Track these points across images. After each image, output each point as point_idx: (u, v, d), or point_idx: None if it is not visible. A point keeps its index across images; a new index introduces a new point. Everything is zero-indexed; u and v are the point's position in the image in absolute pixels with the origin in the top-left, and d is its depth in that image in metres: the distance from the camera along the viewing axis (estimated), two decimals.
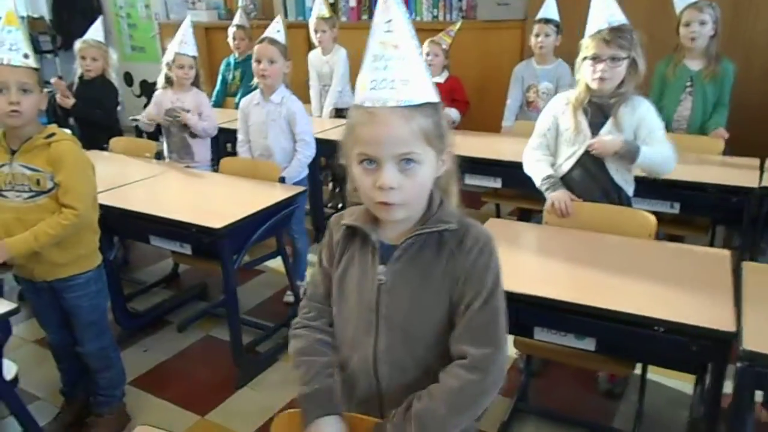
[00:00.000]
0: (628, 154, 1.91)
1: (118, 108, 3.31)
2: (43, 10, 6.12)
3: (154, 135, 3.22)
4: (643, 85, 2.01)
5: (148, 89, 6.14)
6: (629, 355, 1.64)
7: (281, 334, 2.59)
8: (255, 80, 2.69)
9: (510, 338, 1.20)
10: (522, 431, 2.01)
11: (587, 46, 1.93)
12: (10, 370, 1.73)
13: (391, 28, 0.94)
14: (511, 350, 1.49)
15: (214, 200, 2.40)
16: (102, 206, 1.91)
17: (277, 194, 2.36)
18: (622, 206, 1.99)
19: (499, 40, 4.17)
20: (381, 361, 1.02)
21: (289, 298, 2.84)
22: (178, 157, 2.92)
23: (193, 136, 2.87)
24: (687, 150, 2.42)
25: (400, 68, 0.93)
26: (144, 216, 2.20)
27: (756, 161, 2.54)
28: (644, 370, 1.95)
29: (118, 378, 2.04)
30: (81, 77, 3.17)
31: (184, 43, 2.81)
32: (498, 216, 3.46)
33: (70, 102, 3.04)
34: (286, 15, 5.01)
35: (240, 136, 2.81)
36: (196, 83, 2.91)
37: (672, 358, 1.48)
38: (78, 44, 3.12)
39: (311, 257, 3.04)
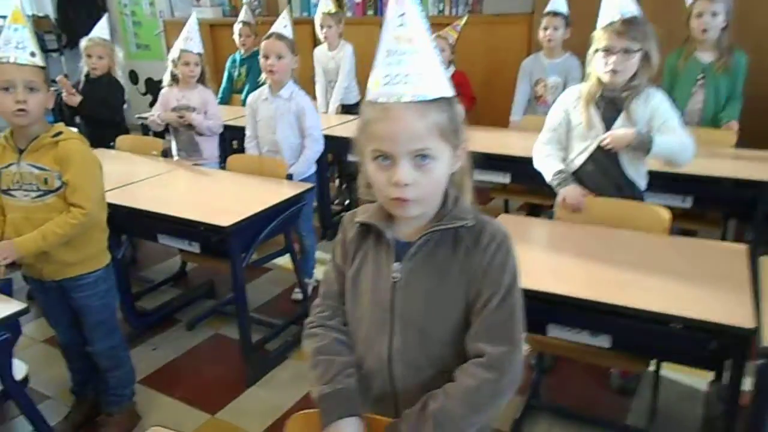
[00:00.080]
0: (642, 145, 1.87)
1: (125, 106, 3.29)
2: (49, 9, 6.12)
3: (161, 133, 3.21)
4: (656, 79, 1.98)
5: (153, 87, 6.14)
6: (645, 352, 1.61)
7: (290, 332, 2.58)
8: (263, 76, 2.67)
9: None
10: (535, 429, 1.99)
11: (599, 38, 1.89)
12: (20, 370, 1.72)
13: (405, 21, 0.92)
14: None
15: (222, 198, 2.39)
16: (110, 205, 1.90)
17: (284, 191, 2.35)
18: (635, 200, 1.96)
19: (506, 34, 4.14)
20: (395, 360, 1.01)
21: (297, 295, 2.83)
22: (187, 154, 2.92)
23: (200, 134, 2.86)
24: (699, 143, 2.36)
25: (414, 62, 0.92)
26: (152, 214, 2.19)
27: None
28: (658, 367, 1.93)
29: (127, 377, 2.03)
30: (87, 75, 3.16)
31: (189, 39, 2.80)
32: (506, 211, 3.44)
33: (76, 100, 3.03)
34: (290, 11, 4.99)
35: (248, 132, 2.79)
36: (201, 80, 2.90)
37: (689, 355, 1.45)
38: (84, 42, 3.11)
39: (319, 254, 3.03)
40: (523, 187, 3.01)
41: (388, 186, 0.93)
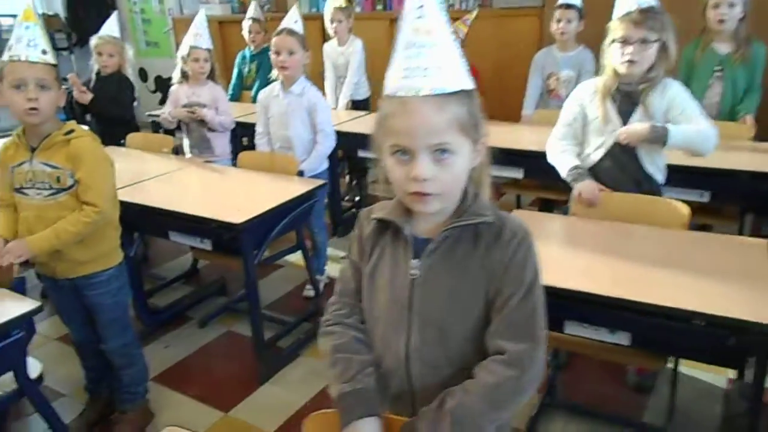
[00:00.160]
0: (658, 137, 1.83)
1: (135, 104, 3.29)
2: (59, 8, 6.14)
3: (171, 130, 3.21)
4: (672, 71, 1.94)
5: (162, 85, 6.15)
6: (665, 349, 1.59)
7: (302, 329, 2.57)
8: (274, 73, 2.66)
9: None
10: (551, 426, 1.97)
11: (615, 28, 1.86)
12: (34, 369, 1.72)
13: (423, 13, 0.90)
14: None
15: (233, 195, 2.38)
16: (121, 203, 1.89)
17: (296, 188, 2.34)
18: (653, 195, 1.93)
19: (517, 28, 4.10)
20: (413, 358, 0.99)
21: (309, 292, 2.82)
22: (199, 152, 2.91)
23: (211, 130, 2.85)
24: None
25: (432, 55, 0.90)
26: (164, 212, 2.19)
27: None
28: (676, 364, 1.90)
29: (140, 375, 2.03)
30: (98, 73, 3.16)
31: (198, 35, 2.79)
32: (519, 207, 3.41)
33: (87, 98, 3.03)
34: (300, 6, 4.97)
35: (259, 129, 2.78)
36: (211, 76, 2.90)
37: (711, 352, 1.42)
38: (94, 40, 3.11)
39: (330, 251, 3.02)
40: (536, 182, 2.98)
41: (406, 181, 0.92)
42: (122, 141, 3.10)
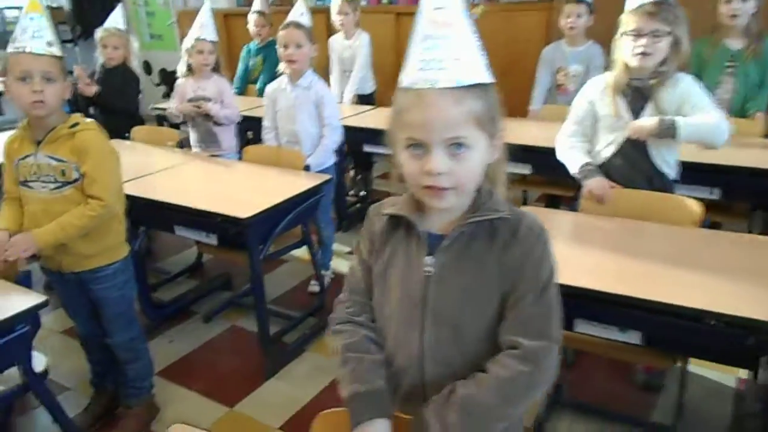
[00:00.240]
0: (666, 131, 1.80)
1: (140, 96, 3.28)
2: (63, 0, 6.12)
3: (176, 124, 3.20)
4: (684, 67, 1.92)
5: (167, 78, 6.12)
6: (677, 348, 1.57)
7: (307, 324, 2.56)
8: (281, 66, 2.64)
9: None
10: (558, 424, 1.96)
11: (627, 21, 1.83)
12: (39, 363, 1.72)
13: (442, 4, 0.88)
14: None
15: (239, 189, 2.36)
16: (126, 196, 1.88)
17: (302, 183, 2.32)
18: (665, 192, 1.91)
19: (525, 23, 4.07)
20: (427, 357, 0.97)
21: (314, 287, 2.81)
22: (205, 146, 2.90)
23: (218, 124, 2.83)
24: None
25: (450, 47, 0.88)
26: (169, 206, 2.17)
27: None
28: (686, 362, 1.88)
29: (146, 369, 2.02)
30: (103, 66, 3.15)
31: (203, 27, 2.77)
32: (525, 203, 3.39)
33: (92, 90, 3.02)
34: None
35: (266, 123, 2.76)
36: (216, 69, 2.87)
37: (724, 352, 1.40)
38: (99, 32, 3.09)
39: (334, 246, 3.01)
40: (543, 178, 2.95)
41: (420, 175, 0.90)
42: (127, 134, 3.08)
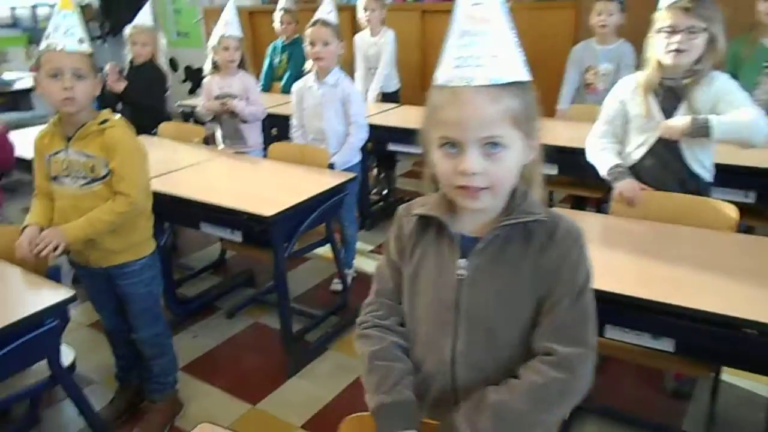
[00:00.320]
0: (700, 130, 1.74)
1: (167, 93, 3.30)
2: None
3: (202, 121, 3.22)
4: (719, 66, 1.86)
5: (192, 75, 6.19)
6: (711, 357, 1.52)
7: (330, 323, 2.56)
8: (308, 64, 2.64)
9: None
10: (585, 430, 1.92)
11: (661, 18, 1.78)
12: (67, 357, 1.73)
13: (481, 0, 0.86)
14: None
15: (264, 187, 2.36)
16: (153, 192, 1.89)
17: (327, 181, 2.31)
18: (699, 195, 1.85)
19: (552, 20, 4.01)
20: (459, 362, 0.95)
21: (337, 286, 2.80)
22: (232, 142, 2.91)
23: (244, 121, 2.84)
24: None
25: (488, 44, 0.85)
26: (195, 203, 2.18)
27: None
28: (718, 371, 1.83)
29: (170, 365, 2.03)
30: (131, 62, 3.18)
31: (228, 24, 2.78)
32: (551, 204, 3.34)
33: (121, 86, 3.05)
34: None
35: (294, 121, 2.77)
36: (242, 66, 2.88)
37: (761, 361, 1.36)
38: (128, 29, 3.13)
39: (358, 245, 3.00)
40: (569, 178, 2.90)
41: (454, 174, 0.88)
42: (154, 130, 3.11)
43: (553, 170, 2.70)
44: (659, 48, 1.79)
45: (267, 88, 4.10)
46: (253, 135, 2.92)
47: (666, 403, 2.01)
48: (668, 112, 1.84)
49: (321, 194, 2.21)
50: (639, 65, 1.95)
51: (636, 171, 1.91)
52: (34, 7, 5.90)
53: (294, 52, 4.00)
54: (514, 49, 0.88)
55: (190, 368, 2.30)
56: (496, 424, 0.87)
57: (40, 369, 1.65)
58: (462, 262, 0.94)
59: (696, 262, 1.52)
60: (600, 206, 2.68)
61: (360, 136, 2.64)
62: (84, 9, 6.03)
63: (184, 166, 2.58)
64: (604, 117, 2.00)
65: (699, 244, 1.65)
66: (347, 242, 2.83)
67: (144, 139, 1.86)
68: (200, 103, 2.96)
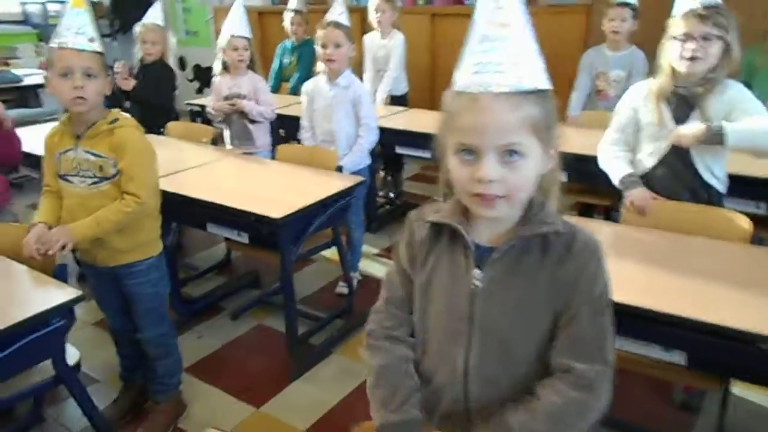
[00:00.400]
0: (714, 137, 1.71)
1: (176, 92, 3.30)
2: None
3: (209, 120, 3.21)
4: (734, 75, 1.84)
5: (201, 74, 6.19)
6: (723, 371, 1.50)
7: (335, 326, 2.54)
8: (319, 66, 2.64)
9: None
10: None
11: (676, 25, 1.76)
12: (72, 356, 1.73)
13: (502, 5, 0.84)
14: None
15: (272, 188, 2.35)
16: (160, 192, 1.88)
17: (336, 184, 2.30)
18: (712, 205, 1.83)
19: (563, 26, 3.99)
20: (472, 375, 0.93)
21: (343, 289, 2.79)
22: (240, 143, 2.91)
23: (253, 121, 2.84)
24: None
25: (508, 50, 0.84)
26: (202, 203, 2.17)
27: None
28: (728, 384, 1.80)
29: (175, 366, 2.02)
30: (141, 61, 3.18)
31: (237, 24, 2.79)
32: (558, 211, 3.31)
33: (130, 84, 3.05)
34: None
35: (304, 122, 2.76)
36: (251, 66, 2.87)
37: None
38: (138, 27, 3.13)
39: (364, 248, 2.98)
40: (578, 185, 2.88)
41: (470, 182, 0.86)
42: (162, 129, 3.11)
43: (563, 177, 2.68)
44: (673, 55, 1.78)
45: (276, 88, 4.09)
46: (261, 136, 2.92)
47: (674, 416, 1.99)
48: (680, 121, 1.82)
49: (329, 197, 2.20)
50: (650, 72, 1.93)
51: (647, 179, 1.89)
52: (44, 3, 5.92)
53: (303, 53, 4.00)
54: (536, 56, 0.86)
55: (195, 369, 2.29)
56: None
57: (45, 367, 1.64)
58: (477, 272, 0.93)
59: (709, 274, 1.50)
60: (609, 213, 2.66)
61: (370, 139, 2.63)
62: (95, 6, 6.05)
63: (192, 166, 2.57)
64: (616, 124, 1.98)
65: (712, 255, 1.63)
66: (353, 245, 2.82)
67: (152, 138, 1.85)
68: (209, 102, 2.96)
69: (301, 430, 1.97)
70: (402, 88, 3.82)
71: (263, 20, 5.47)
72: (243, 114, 2.81)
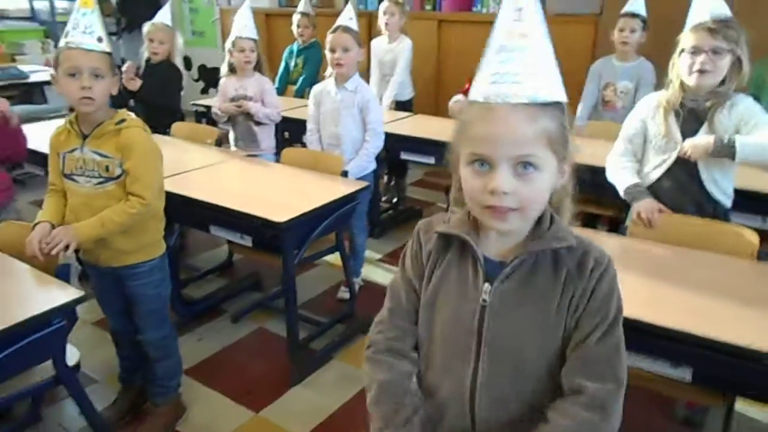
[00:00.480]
0: (724, 149, 1.71)
1: (182, 93, 3.30)
2: None
3: (215, 121, 3.20)
4: (743, 90, 1.84)
5: (206, 74, 6.20)
6: (729, 388, 1.49)
7: (336, 332, 2.53)
8: (327, 70, 2.63)
9: None
10: None
11: (686, 38, 1.77)
12: (72, 356, 1.71)
13: (522, 17, 0.83)
14: None
15: (277, 192, 2.34)
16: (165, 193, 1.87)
17: (340, 189, 2.29)
18: (717, 220, 1.82)
19: (571, 35, 3.98)
20: (481, 393, 0.91)
21: (344, 294, 2.77)
22: (244, 145, 2.90)
23: (258, 123, 2.83)
24: None
25: (526, 61, 0.82)
26: (206, 205, 2.16)
27: None
28: (733, 400, 1.79)
29: (175, 368, 2.01)
30: (147, 60, 3.18)
31: (243, 26, 2.79)
32: None
33: (136, 84, 3.05)
34: (346, 3, 4.92)
35: (310, 125, 2.75)
36: (258, 68, 2.87)
37: None
38: (147, 27, 3.13)
39: (367, 253, 2.97)
40: (583, 195, 2.86)
41: (483, 193, 0.84)
42: (167, 129, 3.10)
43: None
44: (683, 68, 1.78)
45: (282, 91, 4.09)
46: (266, 138, 2.91)
47: (676, 431, 1.98)
48: (689, 134, 1.82)
49: (334, 202, 2.19)
50: (659, 84, 1.92)
51: (653, 191, 1.89)
52: (51, 0, 5.93)
53: (309, 56, 4.00)
54: (554, 68, 0.85)
55: (194, 371, 2.28)
56: None
57: (44, 367, 1.62)
58: (487, 287, 0.91)
59: (716, 289, 1.49)
60: (614, 225, 2.65)
61: (376, 144, 2.63)
62: (102, 5, 6.05)
63: (196, 168, 2.56)
64: (625, 135, 1.98)
65: (719, 270, 1.62)
66: (356, 250, 2.81)
67: (156, 139, 1.84)
68: (215, 103, 2.95)
69: None
70: (407, 94, 3.82)
71: (270, 22, 5.47)
72: (248, 115, 2.81)
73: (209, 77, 6.14)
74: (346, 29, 2.52)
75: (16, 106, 3.95)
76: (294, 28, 4.02)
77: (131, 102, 3.22)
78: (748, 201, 2.07)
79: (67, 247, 1.62)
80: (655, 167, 1.91)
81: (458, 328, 0.93)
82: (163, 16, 3.14)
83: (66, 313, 1.53)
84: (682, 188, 1.87)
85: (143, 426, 1.96)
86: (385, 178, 4.04)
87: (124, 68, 3.02)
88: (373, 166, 2.69)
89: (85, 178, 1.70)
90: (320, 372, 2.30)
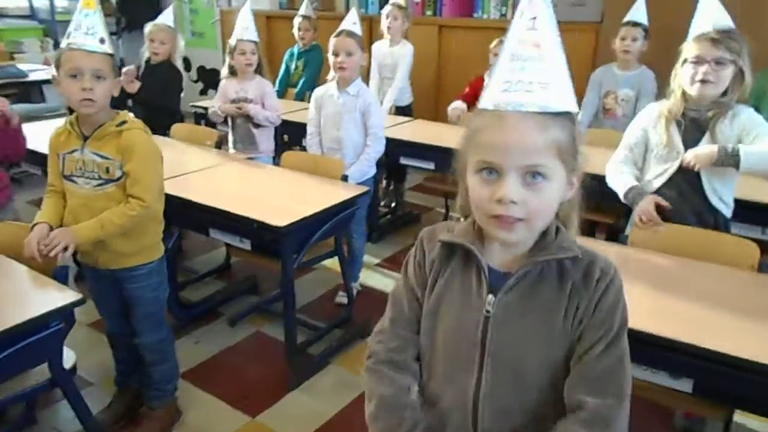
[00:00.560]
0: (728, 159, 1.71)
1: (182, 94, 3.29)
2: None
3: (214, 123, 3.20)
4: (744, 101, 1.84)
5: (205, 75, 6.19)
6: (729, 400, 1.48)
7: (333, 336, 2.52)
8: (330, 74, 2.63)
9: None
10: None
11: (689, 49, 1.77)
12: (68, 359, 1.70)
13: (535, 26, 0.83)
14: None
15: (276, 196, 2.33)
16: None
17: (340, 193, 2.28)
18: (718, 230, 1.82)
19: (572, 43, 3.97)
20: (484, 404, 0.90)
21: (342, 299, 2.76)
22: (243, 147, 2.90)
23: (257, 126, 2.82)
24: None
25: (538, 70, 0.82)
26: (206, 208, 2.15)
27: None
28: (732, 412, 1.79)
29: (171, 372, 2.00)
30: (148, 61, 3.17)
31: (245, 29, 2.79)
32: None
33: (135, 87, 3.04)
34: (347, 7, 4.93)
35: (311, 129, 2.75)
36: (259, 71, 2.87)
37: None
38: (149, 27, 3.12)
39: (365, 258, 2.96)
40: (583, 203, 2.87)
41: (490, 202, 0.83)
42: (166, 131, 3.08)
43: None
44: (685, 78, 1.78)
45: (282, 94, 4.08)
46: (265, 141, 2.91)
47: None
48: (690, 144, 1.82)
49: (334, 207, 2.18)
50: (660, 93, 1.93)
51: None
52: None
53: (310, 58, 3.99)
54: (566, 77, 0.85)
55: (191, 375, 2.26)
56: None
57: (40, 370, 1.61)
58: (491, 297, 0.90)
59: (717, 300, 1.49)
60: (610, 231, 2.66)
61: (377, 149, 2.63)
62: (102, 4, 6.03)
63: (195, 170, 2.55)
64: (626, 143, 1.98)
65: (720, 281, 1.62)
66: (354, 255, 2.80)
67: (156, 140, 1.83)
68: (214, 104, 2.95)
69: None
70: (407, 99, 3.81)
71: (271, 24, 5.47)
72: (248, 118, 2.80)
73: (208, 78, 6.13)
74: (350, 33, 2.52)
75: (14, 105, 3.93)
76: (295, 31, 4.02)
77: (129, 102, 3.21)
78: (748, 211, 2.07)
79: (65, 249, 1.61)
80: (657, 176, 1.91)
81: (461, 338, 0.92)
82: (166, 17, 3.14)
83: (64, 315, 1.51)
84: (683, 197, 1.87)
85: (139, 430, 1.94)
86: (384, 182, 4.03)
87: (124, 71, 3.01)
88: (373, 170, 2.69)
89: (85, 180, 1.69)
90: (318, 377, 2.28)
